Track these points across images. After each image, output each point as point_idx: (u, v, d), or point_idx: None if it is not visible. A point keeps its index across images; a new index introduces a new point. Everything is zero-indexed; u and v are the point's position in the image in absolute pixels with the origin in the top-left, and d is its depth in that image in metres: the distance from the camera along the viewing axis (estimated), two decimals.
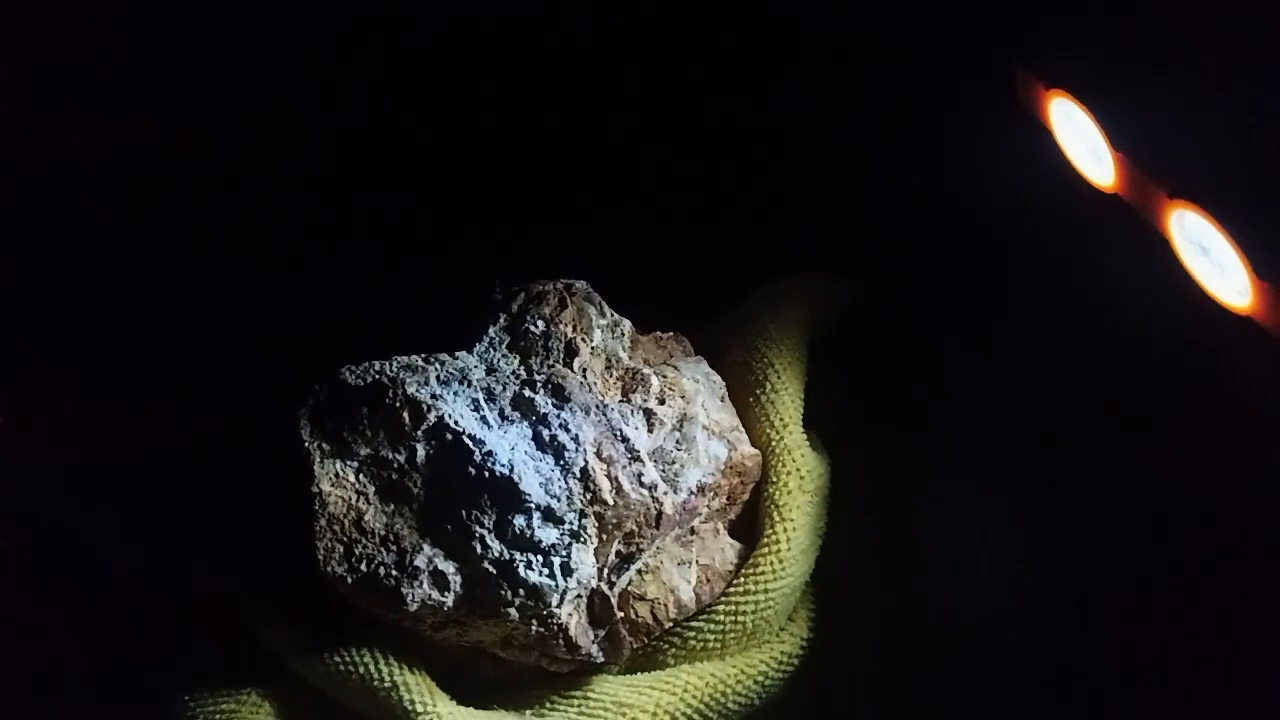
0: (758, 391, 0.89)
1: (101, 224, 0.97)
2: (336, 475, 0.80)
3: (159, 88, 0.95)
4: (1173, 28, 0.70)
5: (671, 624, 0.83)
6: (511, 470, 0.78)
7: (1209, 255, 0.72)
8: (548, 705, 0.82)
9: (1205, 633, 0.78)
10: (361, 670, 0.80)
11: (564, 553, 0.78)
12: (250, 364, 0.94)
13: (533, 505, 0.78)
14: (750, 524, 0.87)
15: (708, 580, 0.84)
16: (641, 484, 0.80)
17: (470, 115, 1.01)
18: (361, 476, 0.80)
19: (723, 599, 0.84)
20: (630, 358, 0.86)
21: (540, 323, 0.85)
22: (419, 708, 0.79)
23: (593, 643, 0.81)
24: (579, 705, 0.82)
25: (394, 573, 0.78)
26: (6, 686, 0.86)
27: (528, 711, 0.82)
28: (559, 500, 0.78)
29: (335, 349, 0.85)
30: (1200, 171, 0.70)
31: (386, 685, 0.80)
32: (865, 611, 0.86)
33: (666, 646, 0.84)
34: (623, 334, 0.87)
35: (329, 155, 1.00)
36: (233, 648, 0.84)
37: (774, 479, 0.86)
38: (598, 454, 0.80)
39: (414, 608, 0.78)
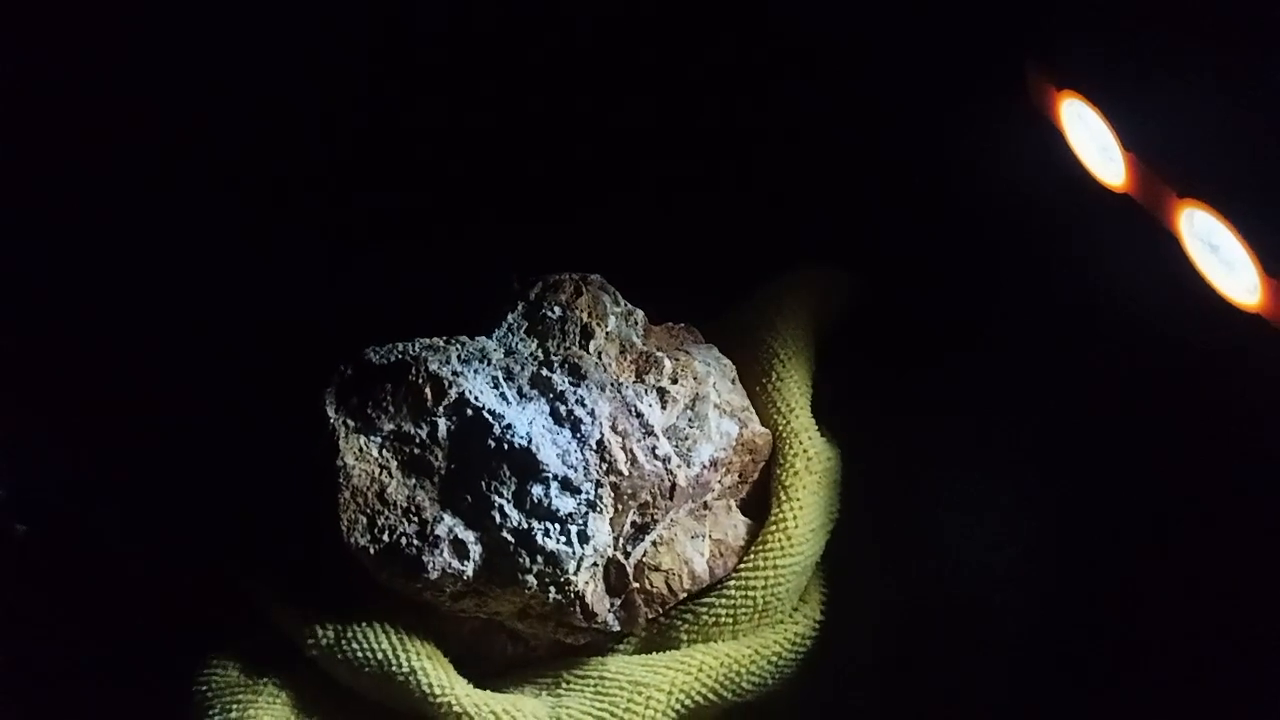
0: (764, 380, 0.89)
1: (102, 223, 0.97)
2: (360, 450, 0.82)
3: (159, 87, 0.96)
4: (1184, 27, 0.70)
5: (685, 594, 0.84)
6: (530, 442, 0.80)
7: (1218, 253, 0.72)
8: (564, 685, 0.83)
9: (1209, 622, 0.78)
10: (379, 657, 0.80)
11: (581, 521, 0.79)
12: (255, 359, 0.95)
13: (550, 475, 0.79)
14: (762, 503, 0.88)
15: (720, 554, 0.85)
16: (655, 456, 0.82)
17: (472, 115, 1.02)
18: (384, 451, 0.82)
19: (734, 575, 0.85)
20: (644, 343, 0.88)
21: (557, 309, 0.87)
22: (437, 690, 0.79)
23: (609, 611, 0.82)
24: (595, 684, 0.82)
25: (415, 542, 0.79)
26: (19, 680, 0.86)
27: (544, 692, 0.83)
28: (576, 470, 0.80)
29: (343, 350, 0.86)
30: (1210, 170, 0.70)
31: (404, 670, 0.80)
32: (876, 596, 0.87)
33: (680, 624, 0.84)
34: (636, 322, 0.89)
35: (332, 154, 1.01)
36: (249, 637, 0.84)
37: (781, 461, 0.87)
38: (613, 427, 0.81)
39: (434, 576, 0.79)
